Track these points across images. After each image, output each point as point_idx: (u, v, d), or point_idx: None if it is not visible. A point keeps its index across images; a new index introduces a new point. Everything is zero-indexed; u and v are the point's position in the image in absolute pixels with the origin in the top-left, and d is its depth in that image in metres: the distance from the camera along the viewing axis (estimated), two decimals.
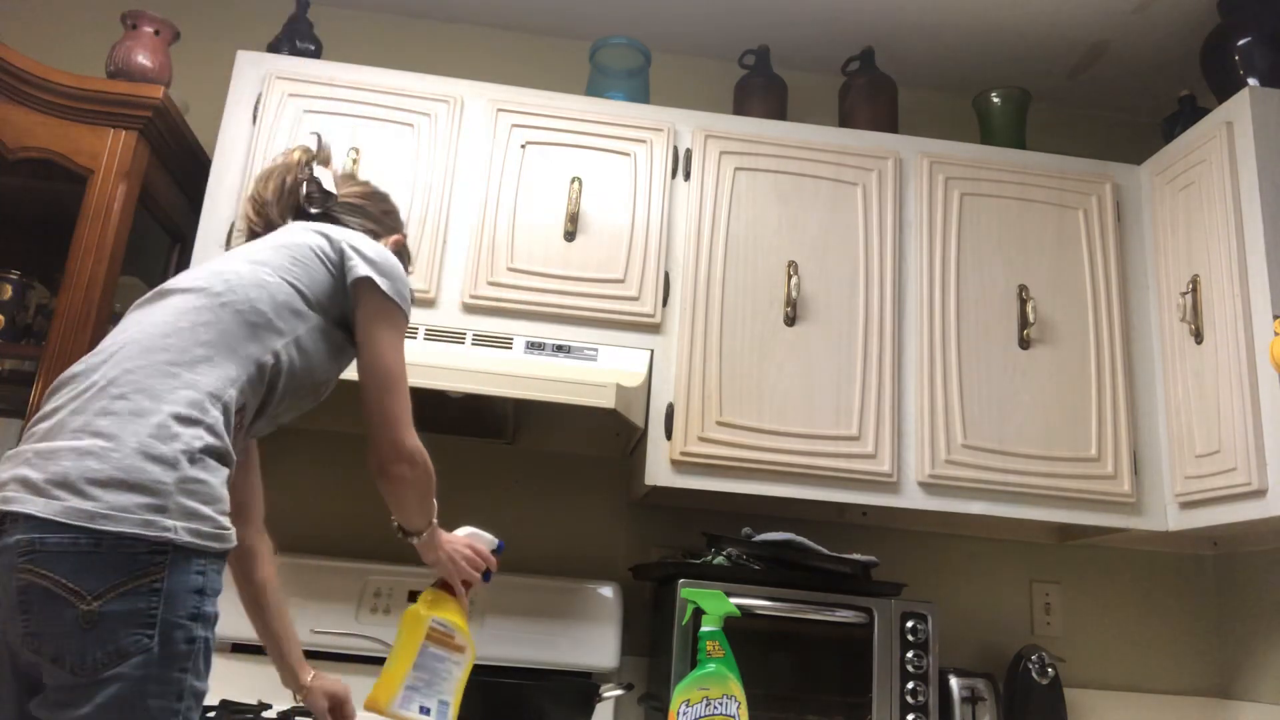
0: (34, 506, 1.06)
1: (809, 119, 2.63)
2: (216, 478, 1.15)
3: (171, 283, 1.31)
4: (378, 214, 1.56)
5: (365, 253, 1.38)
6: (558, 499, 2.40)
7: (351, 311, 1.37)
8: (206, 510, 1.12)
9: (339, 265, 1.36)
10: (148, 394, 1.14)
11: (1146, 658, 2.44)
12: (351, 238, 1.40)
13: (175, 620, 1.08)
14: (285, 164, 1.50)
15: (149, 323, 1.23)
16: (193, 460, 1.12)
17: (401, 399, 1.36)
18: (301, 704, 1.54)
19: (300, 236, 1.38)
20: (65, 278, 1.93)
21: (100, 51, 2.21)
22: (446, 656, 1.53)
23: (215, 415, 1.17)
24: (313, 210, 1.48)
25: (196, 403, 1.16)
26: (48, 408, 1.18)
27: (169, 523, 1.08)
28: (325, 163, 1.53)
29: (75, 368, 1.21)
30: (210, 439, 1.15)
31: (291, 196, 1.47)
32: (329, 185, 1.50)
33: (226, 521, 1.15)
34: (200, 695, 1.12)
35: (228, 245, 2.02)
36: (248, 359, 1.23)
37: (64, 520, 1.05)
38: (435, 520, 1.48)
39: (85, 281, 1.93)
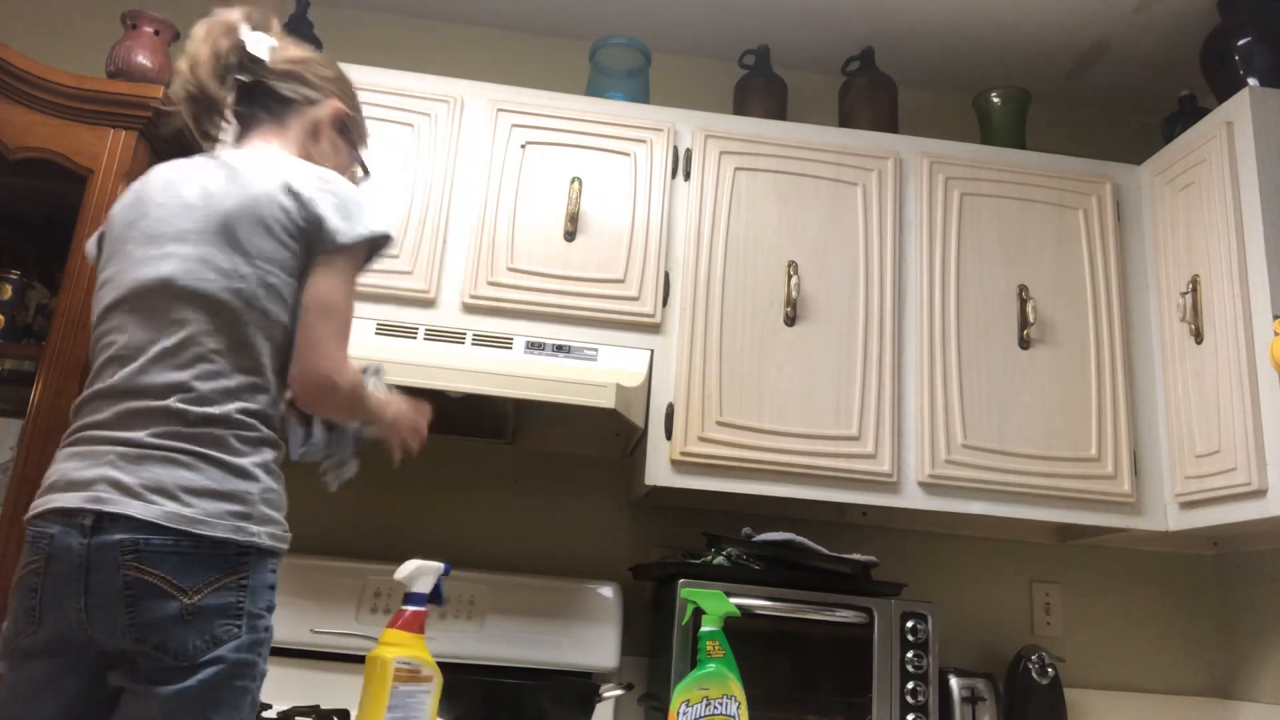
0: (133, 509, 1.15)
1: (809, 119, 2.63)
2: (282, 485, 1.29)
3: (175, 272, 1.27)
4: (316, 80, 1.48)
5: (337, 221, 1.32)
6: (558, 499, 2.40)
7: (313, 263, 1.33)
8: (278, 516, 1.26)
9: (314, 229, 1.31)
10: (217, 422, 1.22)
11: (1146, 658, 2.44)
12: (319, 198, 1.32)
13: (256, 611, 1.21)
14: (223, 23, 1.40)
15: (183, 330, 1.24)
16: (268, 471, 1.25)
17: (335, 325, 1.32)
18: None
19: (272, 197, 1.30)
20: (65, 278, 1.92)
21: (100, 51, 2.21)
22: (416, 689, 1.54)
23: (269, 430, 1.28)
24: (243, 79, 1.41)
25: (255, 424, 1.26)
26: (94, 415, 1.23)
27: (254, 528, 1.21)
28: (263, 26, 1.44)
29: (110, 382, 1.24)
30: (274, 452, 1.28)
31: (223, 61, 1.39)
32: (260, 51, 1.41)
33: (287, 525, 1.29)
34: (264, 676, 1.24)
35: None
36: (273, 372, 1.29)
37: (165, 524, 1.15)
38: (373, 392, 1.43)
39: (85, 281, 1.92)
